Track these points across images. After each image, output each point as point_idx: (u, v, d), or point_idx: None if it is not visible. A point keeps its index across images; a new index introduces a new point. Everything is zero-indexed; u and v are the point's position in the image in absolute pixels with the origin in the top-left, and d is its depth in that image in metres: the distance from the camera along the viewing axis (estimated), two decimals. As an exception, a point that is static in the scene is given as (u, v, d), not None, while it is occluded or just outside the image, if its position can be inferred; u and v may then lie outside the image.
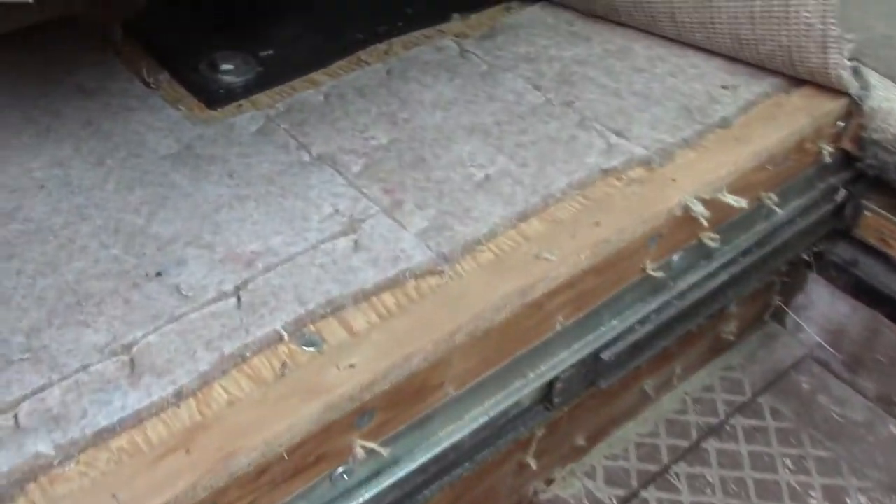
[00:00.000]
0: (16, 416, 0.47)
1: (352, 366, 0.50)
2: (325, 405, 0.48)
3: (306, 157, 0.65)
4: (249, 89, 0.71)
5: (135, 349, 0.51)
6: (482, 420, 0.60)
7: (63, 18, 0.76)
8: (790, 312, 0.90)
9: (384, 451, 0.52)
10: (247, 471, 0.47)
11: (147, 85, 0.71)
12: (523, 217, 0.61)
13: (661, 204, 0.62)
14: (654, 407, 0.84)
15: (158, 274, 0.55)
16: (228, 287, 0.54)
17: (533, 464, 0.71)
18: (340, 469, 0.53)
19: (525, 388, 0.62)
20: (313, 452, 0.50)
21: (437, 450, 0.58)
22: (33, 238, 0.57)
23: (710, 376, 0.88)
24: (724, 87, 0.73)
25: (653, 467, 0.80)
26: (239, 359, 0.51)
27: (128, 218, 0.59)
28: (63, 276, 0.54)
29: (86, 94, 0.69)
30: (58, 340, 0.50)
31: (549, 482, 0.77)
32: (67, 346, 0.50)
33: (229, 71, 0.72)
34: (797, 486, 0.80)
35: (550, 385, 0.64)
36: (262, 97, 0.71)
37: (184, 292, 0.54)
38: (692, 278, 0.70)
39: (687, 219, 0.64)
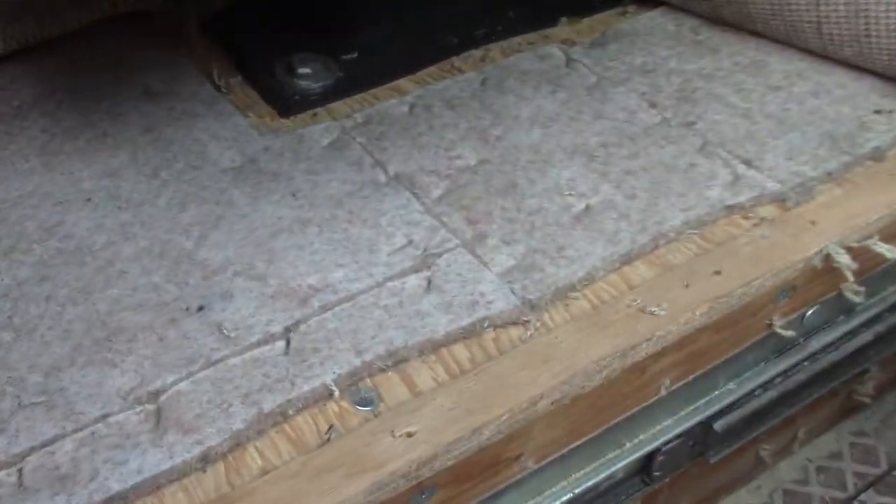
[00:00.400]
0: (20, 472, 0.41)
1: (410, 434, 0.42)
2: (373, 484, 0.40)
3: (381, 178, 0.57)
4: (327, 96, 0.64)
5: (162, 397, 0.44)
6: (565, 497, 0.51)
7: (136, 13, 0.70)
8: (939, 373, 0.77)
9: (444, 539, 0.44)
10: (275, 558, 0.39)
11: (217, 88, 0.65)
12: (628, 259, 0.52)
13: (797, 252, 0.52)
14: (770, 475, 0.73)
15: (200, 308, 0.48)
16: (277, 328, 0.47)
17: (624, 540, 0.61)
18: (392, 551, 0.45)
19: (619, 460, 0.52)
20: (359, 535, 0.43)
21: (511, 530, 0.49)
22: (70, 259, 0.51)
23: (839, 441, 0.77)
24: (877, 112, 0.61)
25: (767, 547, 0.70)
26: (280, 417, 0.43)
27: (175, 240, 0.52)
28: (95, 304, 0.48)
29: (151, 97, 0.63)
30: (78, 382, 0.44)
31: (646, 556, 0.68)
32: (88, 389, 0.44)
33: (306, 75, 0.65)
34: (941, 584, 0.68)
35: (650, 457, 0.54)
36: (339, 106, 0.64)
37: (226, 332, 0.47)
38: (828, 337, 0.59)
39: (827, 269, 0.54)
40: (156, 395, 0.44)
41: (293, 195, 0.55)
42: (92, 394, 0.44)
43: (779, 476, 0.73)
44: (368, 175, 0.57)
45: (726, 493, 0.71)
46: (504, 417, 0.43)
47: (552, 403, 0.45)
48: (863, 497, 0.73)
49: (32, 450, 0.41)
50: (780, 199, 0.55)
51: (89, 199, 0.55)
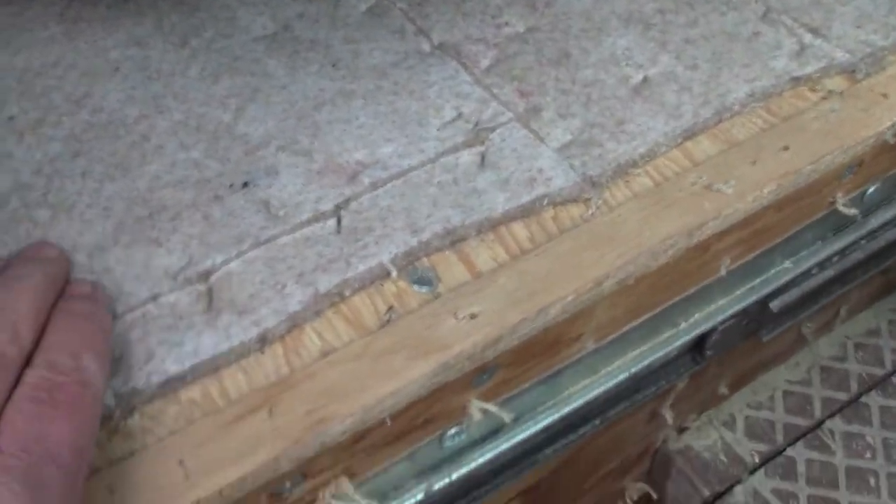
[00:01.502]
0: (72, 355, 0.39)
1: (473, 316, 0.41)
2: (437, 366, 0.39)
3: (426, 47, 0.54)
4: (361, -43, 0.60)
5: (213, 278, 0.42)
6: (621, 376, 0.50)
7: None
8: (983, 251, 0.76)
9: (504, 415, 0.43)
10: (340, 439, 0.38)
11: (243, -51, 0.61)
12: (691, 134, 0.49)
13: (868, 127, 0.49)
14: (809, 351, 0.73)
15: (245, 185, 0.46)
16: (327, 206, 0.45)
17: (668, 416, 0.61)
18: (452, 430, 0.44)
19: (675, 340, 0.51)
20: (421, 416, 0.42)
21: (566, 409, 0.48)
22: (102, 133, 0.48)
23: (878, 318, 0.76)
24: (951, -25, 0.57)
25: (803, 421, 0.70)
26: (337, 297, 0.42)
27: (211, 113, 0.49)
28: (134, 181, 0.46)
29: (173, -42, 0.59)
30: (124, 262, 0.42)
31: (682, 430, 0.68)
32: (135, 269, 0.42)
33: (339, -66, 0.60)
34: (977, 459, 0.68)
35: (704, 336, 0.53)
36: (376, -33, 0.59)
37: (273, 209, 0.44)
38: (887, 214, 0.57)
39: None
40: (206, 275, 0.42)
41: (333, 65, 0.52)
42: (139, 274, 0.42)
43: (817, 352, 0.73)
44: (412, 44, 0.54)
45: (765, 369, 0.70)
46: (569, 298, 0.42)
47: (617, 283, 0.43)
48: (900, 374, 0.73)
49: (83, 332, 0.40)
50: (849, 71, 0.52)
51: (117, 69, 0.52)
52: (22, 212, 0.44)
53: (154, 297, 0.41)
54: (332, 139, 0.48)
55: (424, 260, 0.44)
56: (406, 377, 0.39)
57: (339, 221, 0.45)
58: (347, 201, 0.45)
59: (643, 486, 0.70)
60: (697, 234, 0.45)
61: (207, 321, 0.40)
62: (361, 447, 0.40)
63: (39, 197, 0.45)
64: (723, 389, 0.66)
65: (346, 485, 0.41)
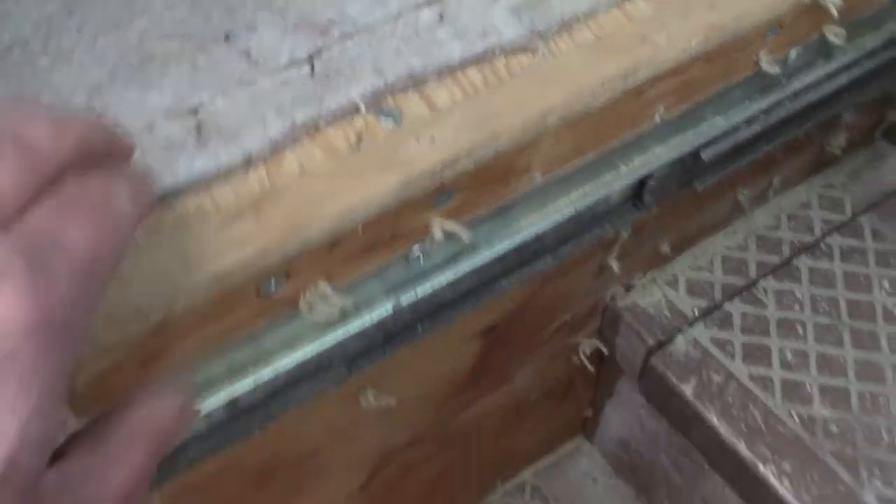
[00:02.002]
0: (80, 174, 0.44)
1: (433, 140, 0.46)
2: (403, 179, 0.45)
3: (389, -81, 0.58)
4: None
5: (201, 112, 0.47)
6: (567, 212, 0.56)
7: None
8: (906, 128, 0.83)
9: (462, 233, 0.49)
10: (319, 242, 0.44)
11: None
12: (628, -7, 0.54)
13: (788, -14, 0.55)
14: (745, 220, 0.79)
15: (227, 38, 0.51)
16: (301, 54, 0.50)
17: (615, 266, 0.67)
18: (417, 249, 0.50)
19: (615, 182, 0.57)
20: (389, 229, 0.48)
21: (518, 239, 0.55)
22: (95, -7, 0.53)
23: (809, 193, 0.82)
24: None
25: (739, 281, 0.77)
26: (312, 128, 0.47)
27: (195, -25, 0.54)
28: (125, 35, 0.51)
29: None
30: (120, 100, 0.47)
31: (629, 289, 0.74)
32: (130, 106, 0.47)
33: None
34: (893, 309, 0.75)
35: (642, 182, 0.59)
36: None
37: (254, 57, 0.50)
38: (808, 78, 0.63)
39: (814, 7, 0.57)
40: (195, 110, 0.47)
41: (305, -65, 0.57)
42: (135, 109, 0.47)
43: (753, 222, 0.80)
44: (376, -83, 0.59)
45: (705, 235, 0.77)
46: (518, 127, 0.48)
47: (560, 119, 0.49)
48: (828, 240, 0.79)
49: (88, 155, 0.45)
50: (772, -62, 0.58)
51: (106, -60, 0.56)
52: (23, 61, 0.49)
53: (149, 128, 0.46)
54: (304, 1, 0.53)
55: (390, 99, 0.49)
56: (375, 189, 0.45)
57: (312, 68, 0.50)
58: (320, 51, 0.51)
59: (594, 342, 0.77)
60: (632, 77, 0.51)
61: (198, 147, 0.46)
62: (337, 254, 0.46)
63: (39, 48, 0.50)
64: (665, 248, 0.73)
65: (324, 285, 0.46)
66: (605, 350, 0.77)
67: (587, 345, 0.77)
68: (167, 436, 0.34)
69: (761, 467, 0.68)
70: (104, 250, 0.29)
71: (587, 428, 0.94)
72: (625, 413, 0.86)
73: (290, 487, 0.62)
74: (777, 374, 0.72)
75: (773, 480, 0.68)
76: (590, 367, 0.77)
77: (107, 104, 0.47)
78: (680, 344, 0.73)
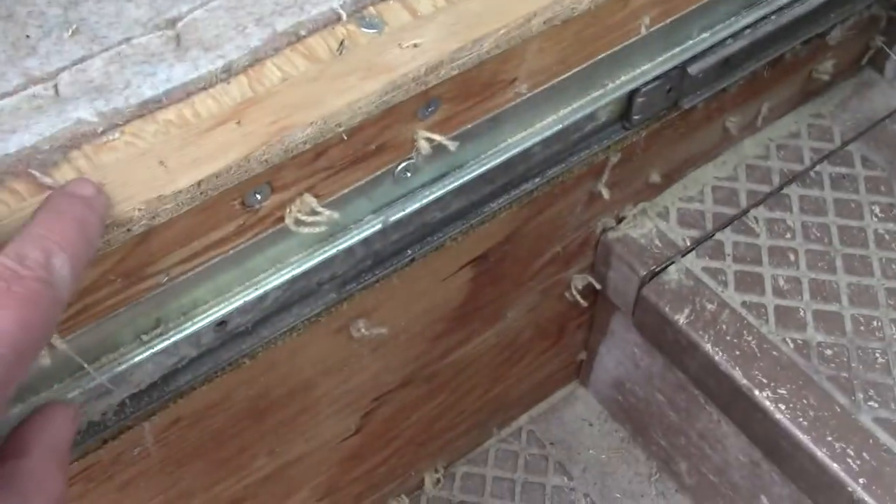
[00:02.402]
0: (55, 87, 0.43)
1: (416, 45, 0.46)
2: (386, 84, 0.44)
3: None
4: None
5: (180, 24, 0.46)
6: (555, 129, 0.55)
7: None
8: (893, 55, 0.82)
9: (449, 144, 0.48)
10: (303, 149, 0.43)
11: None
12: None
13: None
14: (734, 150, 0.79)
15: (203, -50, 0.50)
16: (280, -36, 0.49)
17: (605, 193, 0.67)
18: (403, 165, 0.49)
19: (603, 98, 0.56)
20: (374, 140, 0.47)
21: (506, 156, 0.54)
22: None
23: (797, 123, 0.82)
24: None
25: (730, 210, 0.76)
26: (293, 37, 0.46)
27: None
28: (101, -50, 0.49)
29: None
30: (97, 13, 0.46)
31: (620, 221, 0.74)
32: (108, 19, 0.46)
33: None
34: (885, 234, 0.75)
35: (630, 99, 0.59)
36: None
37: (232, -31, 0.49)
38: (793, -8, 0.63)
39: (797, -87, 0.57)
40: (173, 22, 0.46)
41: None
42: (112, 22, 0.46)
43: (742, 152, 0.79)
44: None
45: (694, 165, 0.76)
46: (501, 31, 0.47)
47: (544, 23, 0.48)
48: (818, 168, 0.79)
49: (64, 68, 0.44)
50: None
51: None
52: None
53: (127, 40, 0.45)
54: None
55: (371, 8, 0.48)
56: (359, 92, 0.44)
57: (292, -22, 0.49)
58: (298, -39, 0.49)
59: (586, 277, 0.76)
60: (616, -19, 0.50)
61: (177, 56, 0.45)
62: (322, 165, 0.45)
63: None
64: (655, 178, 0.72)
65: (310, 199, 0.46)
66: (597, 285, 0.77)
67: (579, 280, 0.76)
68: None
69: (757, 393, 0.68)
70: (29, 338, 0.32)
71: (581, 373, 0.94)
72: (619, 353, 0.86)
73: (283, 426, 0.61)
74: (770, 301, 0.72)
75: (768, 405, 0.68)
76: (582, 301, 0.77)
77: (83, 16, 0.46)
78: (672, 274, 0.73)
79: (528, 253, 0.68)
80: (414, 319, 0.64)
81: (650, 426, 0.87)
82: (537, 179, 0.58)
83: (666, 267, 0.73)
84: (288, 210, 0.46)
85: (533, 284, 0.73)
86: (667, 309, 0.71)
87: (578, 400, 0.94)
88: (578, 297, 0.77)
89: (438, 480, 0.87)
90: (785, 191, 0.78)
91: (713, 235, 0.75)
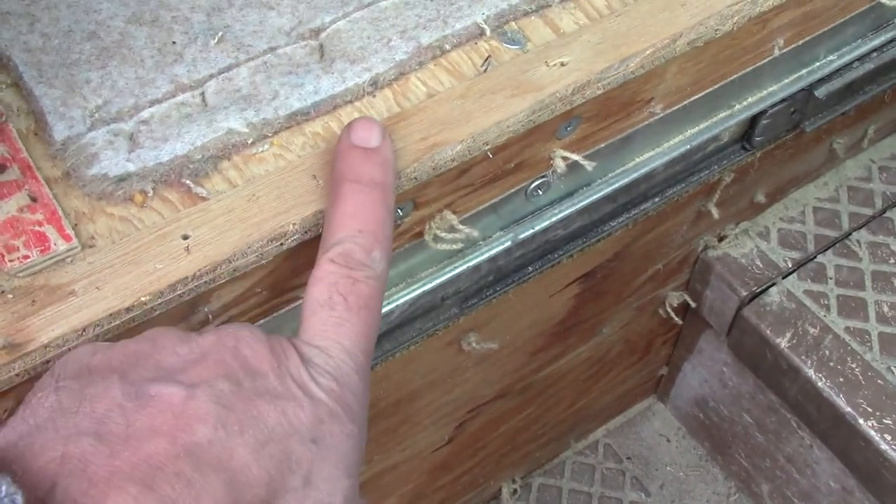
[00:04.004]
0: (203, 95, 0.43)
1: (563, 64, 0.45)
2: (534, 103, 0.43)
3: None
4: None
5: (323, 35, 0.46)
6: (681, 149, 0.54)
7: None
8: None
9: (587, 164, 0.48)
10: (449, 167, 0.43)
11: None
12: (751, -81, 0.52)
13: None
14: (837, 171, 0.77)
15: (343, -40, 0.49)
16: (421, -23, 0.48)
17: (714, 212, 0.65)
18: (537, 183, 0.49)
19: (729, 119, 0.55)
20: (515, 158, 0.46)
21: (633, 176, 0.53)
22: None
23: (901, 145, 0.80)
24: None
25: (832, 233, 0.75)
26: (437, 51, 0.46)
27: None
28: (240, -43, 0.49)
29: None
30: (241, 21, 0.46)
31: (721, 239, 0.73)
32: (252, 27, 0.46)
33: None
34: None
35: (754, 121, 0.57)
36: None
37: (373, -20, 0.48)
38: (922, 15, 0.61)
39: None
40: (316, 32, 0.46)
41: None
42: (256, 30, 0.46)
43: (844, 173, 0.78)
44: None
45: (797, 185, 0.75)
46: (648, 52, 0.46)
47: (688, 44, 0.47)
48: (922, 192, 0.77)
49: (211, 76, 0.44)
50: None
51: None
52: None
53: (272, 49, 0.45)
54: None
55: (513, 24, 0.47)
56: (507, 111, 0.43)
57: (432, -9, 0.48)
58: (439, -26, 0.49)
59: (682, 294, 0.75)
60: (760, 1, 0.49)
61: (323, 68, 0.44)
62: (463, 183, 0.45)
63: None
64: (760, 197, 0.71)
65: (450, 216, 0.45)
66: (692, 303, 0.76)
67: (674, 297, 0.75)
68: None
69: (861, 421, 0.67)
70: (374, 335, 0.36)
71: (661, 388, 0.93)
72: (704, 371, 0.84)
73: (385, 435, 0.61)
74: (874, 327, 0.71)
75: (873, 435, 0.66)
76: (676, 318, 0.76)
77: (227, 24, 0.46)
78: (773, 295, 0.71)
79: (631, 270, 0.67)
80: (518, 334, 0.63)
81: (732, 446, 0.86)
82: (656, 199, 0.57)
83: (767, 288, 0.72)
84: (427, 226, 0.45)
85: (631, 301, 0.72)
86: (768, 331, 0.70)
87: (656, 415, 0.93)
88: (672, 314, 0.76)
89: (515, 491, 0.86)
90: (888, 214, 0.76)
91: (815, 258, 0.73)
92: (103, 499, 0.26)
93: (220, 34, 0.45)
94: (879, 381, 0.68)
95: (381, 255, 0.36)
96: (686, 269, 0.74)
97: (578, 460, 0.90)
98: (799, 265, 0.73)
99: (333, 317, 0.34)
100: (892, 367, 0.69)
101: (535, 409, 0.77)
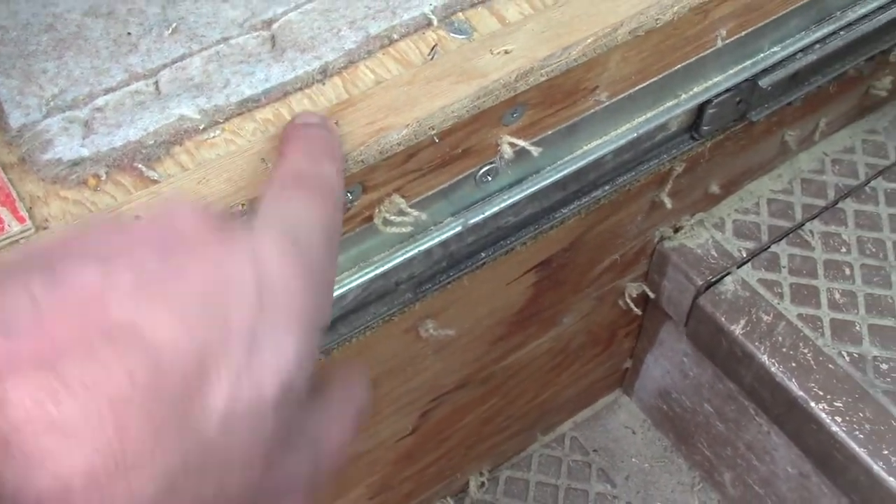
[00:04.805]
0: (156, 83, 0.45)
1: (507, 52, 0.46)
2: (479, 89, 0.45)
3: None
4: None
5: (275, 25, 0.47)
6: (629, 137, 0.56)
7: None
8: (950, 71, 0.82)
9: (532, 149, 0.49)
10: (396, 151, 0.44)
11: None
12: (692, -86, 0.54)
13: None
14: (791, 164, 0.79)
15: (296, -46, 0.51)
16: (371, -31, 0.50)
17: (667, 202, 0.67)
18: (485, 169, 0.50)
19: (676, 108, 0.57)
20: (461, 144, 0.48)
21: (581, 163, 0.55)
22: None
23: (852, 138, 0.82)
24: None
25: (785, 223, 0.77)
26: (385, 40, 0.47)
27: None
28: (196, -49, 0.51)
29: None
30: (195, 13, 0.47)
31: (676, 230, 0.74)
32: (206, 18, 0.47)
33: None
34: (941, 250, 0.75)
35: (701, 110, 0.59)
36: None
37: (324, -27, 0.50)
38: (862, 8, 0.63)
39: (872, -70, 0.57)
40: (268, 23, 0.47)
41: None
42: (210, 22, 0.47)
43: (797, 166, 0.80)
44: None
45: (751, 177, 0.77)
46: (589, 40, 0.48)
47: (629, 32, 0.49)
48: (873, 183, 0.79)
49: (165, 66, 0.45)
50: None
51: None
52: (97, -23, 0.49)
53: (225, 39, 0.46)
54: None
55: (460, 14, 0.49)
56: (452, 96, 0.45)
57: (382, -17, 0.50)
58: (389, -34, 0.50)
59: (641, 286, 0.77)
60: (700, -7, 0.51)
61: (274, 57, 0.46)
62: (411, 167, 0.46)
63: (110, -34, 0.50)
64: (714, 188, 0.73)
65: (399, 199, 0.47)
66: (650, 294, 0.77)
67: (633, 288, 0.77)
68: (360, 418, 0.34)
69: (812, 405, 0.68)
70: (334, 222, 0.34)
71: (626, 381, 0.94)
72: (666, 362, 0.86)
73: (346, 422, 0.62)
74: (826, 314, 0.72)
75: (824, 417, 0.68)
76: (635, 309, 0.77)
77: (182, 15, 0.47)
78: (728, 284, 0.73)
79: (588, 259, 0.69)
80: (477, 322, 0.64)
81: (695, 435, 0.88)
82: (607, 187, 0.59)
83: (722, 277, 0.73)
84: (377, 210, 0.47)
85: (590, 291, 0.73)
86: (723, 319, 0.72)
87: (621, 408, 0.95)
88: (632, 305, 0.77)
89: (483, 484, 0.88)
90: (840, 205, 0.78)
91: (769, 248, 0.75)
92: (1, 388, 0.24)
93: (174, 25, 0.47)
94: (830, 365, 0.70)
95: (333, 168, 0.36)
96: (644, 259, 0.76)
97: (545, 453, 0.91)
98: (753, 255, 0.75)
99: (286, 194, 0.33)
100: (843, 352, 0.70)
101: (498, 400, 0.78)
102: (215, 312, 0.26)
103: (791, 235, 0.76)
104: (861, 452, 0.66)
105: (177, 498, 0.25)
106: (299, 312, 0.28)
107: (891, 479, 0.65)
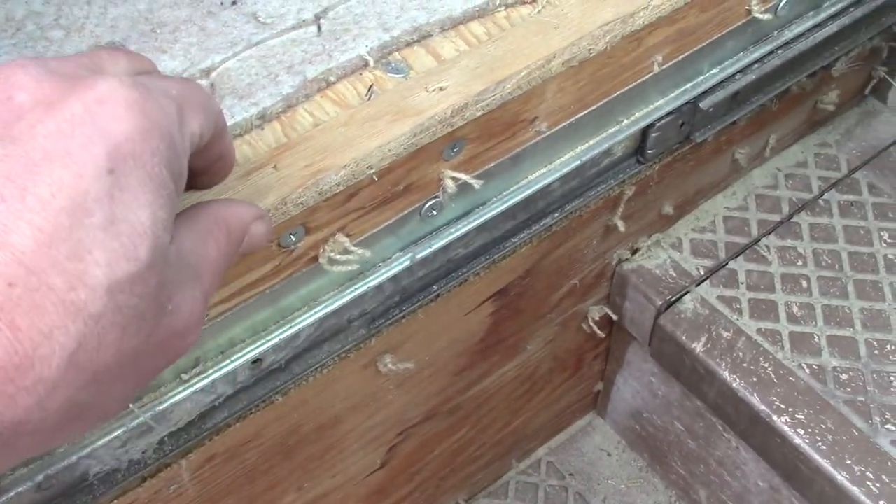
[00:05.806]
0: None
1: (442, 88, 0.47)
2: (414, 126, 0.46)
3: None
4: None
5: (213, 74, 0.48)
6: (573, 165, 0.57)
7: None
8: (895, 84, 0.84)
9: (474, 182, 0.50)
10: (336, 191, 0.45)
11: None
12: (621, -55, 0.56)
13: (775, -70, 0.56)
14: (744, 181, 0.81)
15: (234, 2, 0.52)
16: (308, 15, 0.51)
17: (620, 225, 0.68)
18: (430, 203, 0.51)
19: (618, 134, 0.58)
20: (402, 181, 0.48)
21: (527, 192, 0.55)
22: (101, -31, 0.54)
23: (804, 152, 0.84)
24: None
25: (742, 240, 0.78)
26: (323, 83, 0.48)
27: (198, -51, 0.55)
28: (135, 5, 0.51)
29: None
30: (134, 65, 0.48)
31: (634, 252, 0.75)
32: (145, 70, 0.48)
33: None
34: (894, 259, 0.76)
35: (644, 134, 0.60)
36: None
37: (262, 20, 0.51)
38: (799, 28, 0.64)
39: (801, -47, 0.59)
40: (207, 72, 0.48)
41: None
42: (149, 73, 0.48)
43: (751, 182, 0.81)
44: None
45: (705, 196, 0.78)
46: (523, 73, 0.49)
47: (563, 63, 0.50)
48: (826, 196, 0.81)
49: (105, 118, 0.46)
50: None
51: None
52: (38, 33, 0.50)
53: (164, 90, 0.47)
54: (307, -35, 0.54)
55: (396, 54, 0.50)
56: (388, 135, 0.45)
57: (319, 27, 0.51)
58: (325, 10, 0.52)
59: (603, 308, 0.78)
60: (630, 22, 0.52)
61: (213, 105, 0.46)
62: (354, 206, 0.47)
63: (52, 22, 0.51)
64: (668, 209, 0.74)
65: (342, 239, 0.47)
66: (613, 316, 0.78)
67: (596, 311, 0.77)
68: (242, 232, 0.37)
69: (775, 418, 0.69)
70: (190, 90, 0.34)
71: (598, 403, 0.95)
72: (635, 383, 0.87)
73: (312, 461, 0.63)
74: (785, 327, 0.73)
75: (787, 430, 0.69)
76: (599, 332, 0.78)
77: (119, 71, 0.48)
78: (687, 303, 0.74)
79: (546, 286, 0.70)
80: (438, 354, 0.65)
81: (668, 455, 0.88)
82: (556, 214, 0.60)
83: (681, 296, 0.74)
84: (321, 250, 0.47)
85: (552, 317, 0.74)
86: (683, 338, 0.73)
87: (596, 430, 0.95)
88: (595, 328, 0.78)
89: (460, 514, 0.88)
90: (795, 219, 0.79)
91: (726, 264, 0.76)
92: None
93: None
94: (791, 378, 0.70)
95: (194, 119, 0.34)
96: (604, 282, 0.76)
97: (522, 479, 0.91)
98: (711, 272, 0.76)
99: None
100: (803, 364, 0.71)
101: (469, 430, 0.78)
102: (68, 196, 0.27)
103: (748, 251, 0.77)
104: (824, 464, 0.67)
105: (80, 371, 0.28)
106: (150, 168, 0.29)
107: (854, 488, 0.65)
